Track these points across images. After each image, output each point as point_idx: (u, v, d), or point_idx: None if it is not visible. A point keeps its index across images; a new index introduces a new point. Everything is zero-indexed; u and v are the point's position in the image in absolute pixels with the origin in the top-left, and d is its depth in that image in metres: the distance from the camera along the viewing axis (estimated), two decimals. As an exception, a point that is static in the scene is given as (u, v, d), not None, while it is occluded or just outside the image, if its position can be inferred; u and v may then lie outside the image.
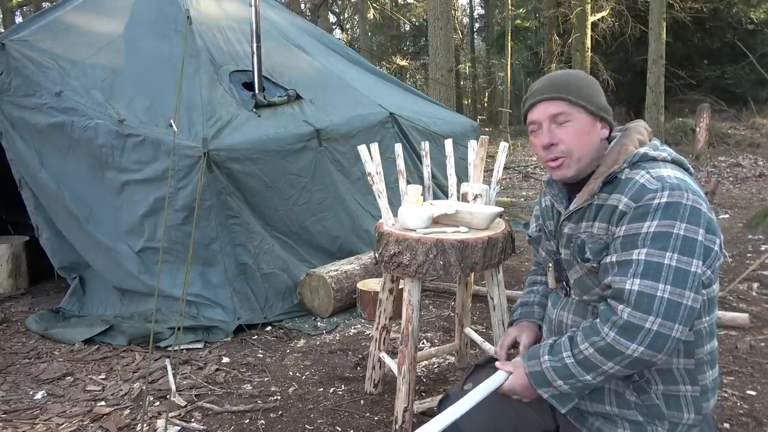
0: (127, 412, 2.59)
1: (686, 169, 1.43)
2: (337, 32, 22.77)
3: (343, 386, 2.78)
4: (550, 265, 1.63)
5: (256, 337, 3.36)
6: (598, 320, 1.36)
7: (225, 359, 3.09)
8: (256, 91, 3.92)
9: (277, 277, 3.61)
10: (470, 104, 24.31)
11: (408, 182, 2.44)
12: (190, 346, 3.21)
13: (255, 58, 3.90)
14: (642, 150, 1.41)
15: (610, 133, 1.52)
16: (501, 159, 2.60)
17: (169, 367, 2.85)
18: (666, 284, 1.27)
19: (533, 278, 1.86)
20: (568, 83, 1.45)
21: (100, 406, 2.64)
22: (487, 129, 15.38)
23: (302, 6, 16.20)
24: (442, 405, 1.66)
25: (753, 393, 2.61)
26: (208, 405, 2.60)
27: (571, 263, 1.50)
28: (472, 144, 2.66)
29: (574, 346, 1.38)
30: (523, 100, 1.55)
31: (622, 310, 1.30)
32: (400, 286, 2.42)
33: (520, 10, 19.74)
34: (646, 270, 1.29)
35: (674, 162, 1.43)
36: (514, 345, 1.72)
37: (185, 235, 3.29)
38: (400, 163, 2.51)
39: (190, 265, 3.04)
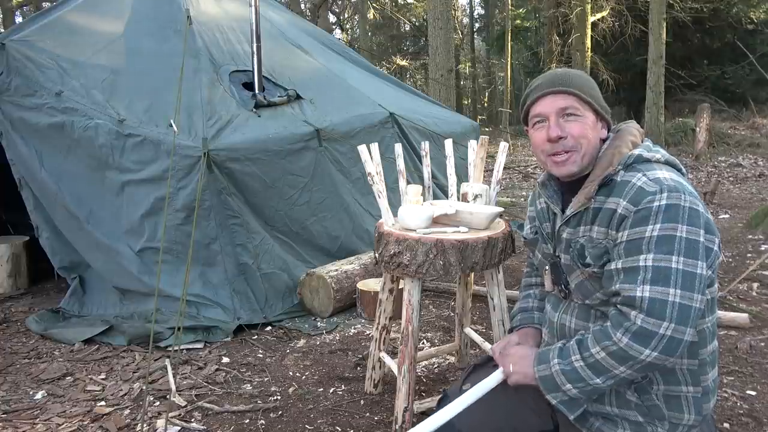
0: (127, 412, 2.59)
1: (679, 170, 1.43)
2: (337, 32, 22.79)
3: (343, 386, 2.78)
4: (547, 268, 1.62)
5: (256, 337, 3.36)
6: (609, 325, 1.34)
7: (225, 359, 3.09)
8: (256, 91, 3.92)
9: (277, 277, 3.61)
10: (470, 104, 24.32)
11: (408, 182, 2.44)
12: (190, 346, 3.21)
13: (255, 58, 3.90)
14: (636, 152, 1.41)
15: (608, 133, 1.52)
16: (501, 159, 2.60)
17: (169, 367, 2.84)
18: (676, 288, 1.26)
19: (528, 281, 1.86)
20: (575, 80, 1.45)
21: (100, 406, 2.64)
22: (487, 129, 15.39)
23: (302, 6, 16.21)
24: (441, 405, 1.66)
25: (753, 393, 2.61)
26: (208, 405, 2.60)
27: (572, 268, 1.49)
28: (472, 144, 2.66)
29: (584, 350, 1.37)
30: (524, 95, 1.52)
31: (636, 315, 1.28)
32: (400, 286, 2.42)
33: (520, 10, 19.74)
34: (655, 276, 1.28)
35: (667, 163, 1.42)
36: None
37: (185, 235, 3.29)
38: (400, 163, 2.51)
39: (190, 265, 3.04)
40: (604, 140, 1.49)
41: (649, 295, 1.28)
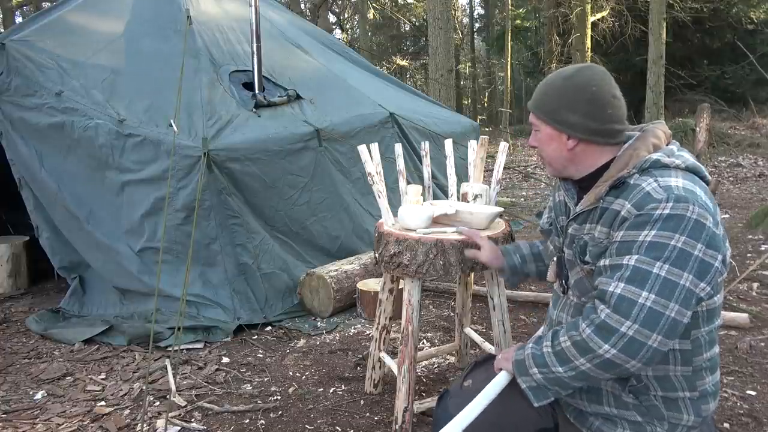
0: (127, 412, 2.59)
1: (702, 177, 1.40)
2: (337, 32, 22.79)
3: (343, 386, 2.78)
4: (554, 259, 1.65)
5: (256, 337, 3.36)
6: (581, 316, 1.37)
7: (225, 359, 3.09)
8: (256, 91, 3.92)
9: (277, 277, 3.61)
10: (470, 104, 24.32)
11: (408, 182, 2.44)
12: (190, 346, 3.21)
13: (255, 58, 3.90)
14: (654, 156, 1.38)
15: (616, 143, 1.46)
16: (501, 159, 2.60)
17: (169, 367, 2.85)
18: (650, 293, 1.26)
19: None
20: (543, 94, 1.50)
21: (100, 406, 2.64)
22: (487, 129, 15.37)
23: (302, 6, 16.21)
24: (441, 402, 1.66)
25: (753, 393, 2.61)
26: (208, 405, 2.60)
27: (573, 264, 1.51)
28: (472, 144, 2.66)
29: (555, 339, 1.40)
30: None
31: (602, 309, 1.30)
32: (400, 286, 2.42)
33: (520, 10, 19.73)
34: (632, 275, 1.28)
35: (688, 170, 1.38)
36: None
37: (185, 235, 3.29)
38: (400, 163, 2.51)
39: (190, 265, 3.04)
40: (570, 150, 1.47)
41: (620, 291, 1.28)
